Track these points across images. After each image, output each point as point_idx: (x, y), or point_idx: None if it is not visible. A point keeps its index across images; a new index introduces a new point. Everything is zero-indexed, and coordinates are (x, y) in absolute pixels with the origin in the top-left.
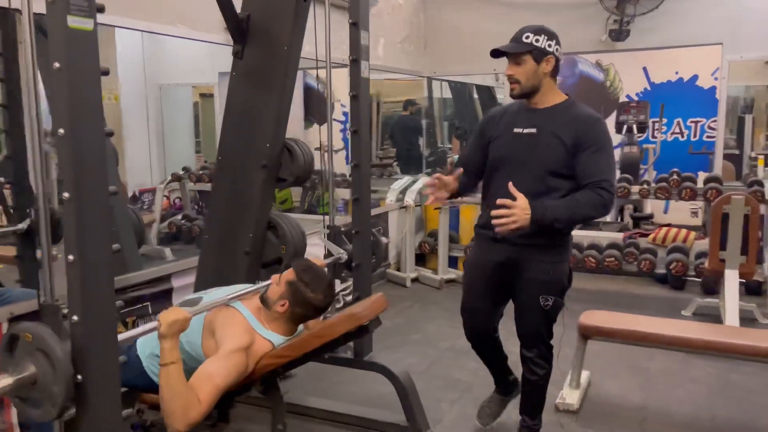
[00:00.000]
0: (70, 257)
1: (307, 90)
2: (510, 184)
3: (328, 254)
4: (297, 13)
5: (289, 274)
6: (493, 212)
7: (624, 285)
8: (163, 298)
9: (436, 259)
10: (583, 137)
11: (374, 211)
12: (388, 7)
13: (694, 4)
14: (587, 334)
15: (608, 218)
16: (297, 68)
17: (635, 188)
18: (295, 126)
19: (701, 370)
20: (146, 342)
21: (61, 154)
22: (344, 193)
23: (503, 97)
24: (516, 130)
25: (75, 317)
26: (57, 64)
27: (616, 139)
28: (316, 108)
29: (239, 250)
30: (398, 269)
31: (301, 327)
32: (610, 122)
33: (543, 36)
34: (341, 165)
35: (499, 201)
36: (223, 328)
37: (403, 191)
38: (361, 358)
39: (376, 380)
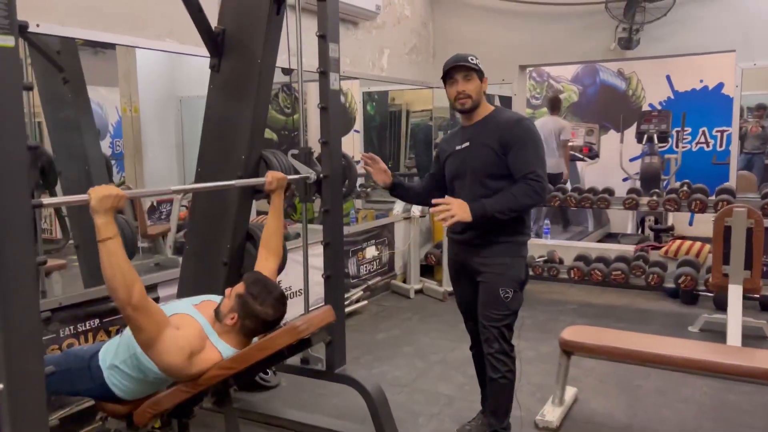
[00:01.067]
0: None
1: None
2: (447, 197)
3: (296, 173)
4: (270, 26)
5: (238, 287)
6: (433, 209)
7: (633, 299)
8: None
9: (442, 270)
10: (506, 139)
11: (380, 222)
12: (393, 18)
13: (704, 11)
14: (569, 349)
15: (628, 230)
16: (272, 80)
17: (644, 200)
18: (314, 136)
19: (697, 389)
20: (107, 352)
21: None
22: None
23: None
24: (457, 147)
25: None
26: None
27: (636, 149)
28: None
29: (218, 260)
30: (404, 280)
31: (255, 340)
32: (631, 132)
33: (479, 61)
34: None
35: (434, 200)
36: (182, 329)
37: None
38: (332, 371)
39: (356, 393)
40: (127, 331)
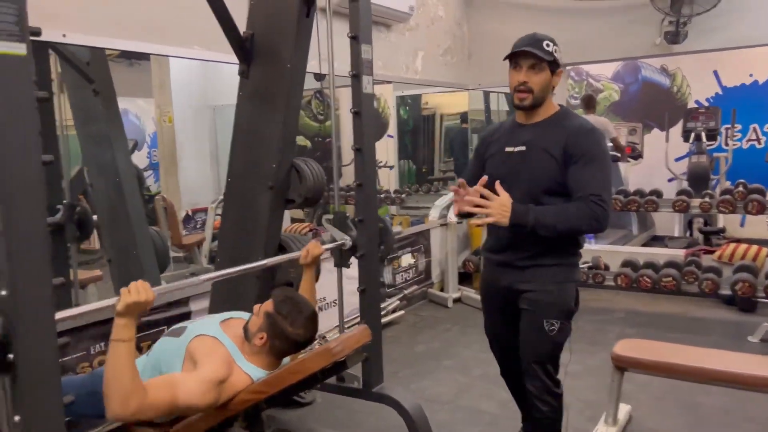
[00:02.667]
0: (2, 293)
1: None
2: (497, 182)
3: (333, 240)
4: (299, 29)
5: (267, 305)
6: (468, 202)
7: (685, 307)
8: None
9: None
10: (572, 149)
11: (416, 229)
12: (426, 20)
13: (757, 0)
14: (622, 365)
15: (675, 233)
16: (302, 85)
17: (695, 201)
18: (347, 142)
19: (765, 407)
20: None
21: None
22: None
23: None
24: (507, 149)
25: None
26: None
27: (682, 148)
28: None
29: (250, 274)
30: (441, 289)
31: (287, 360)
32: (677, 130)
33: (557, 47)
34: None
35: (476, 188)
36: (204, 357)
37: (447, 207)
38: (370, 389)
39: (394, 411)
40: (155, 349)
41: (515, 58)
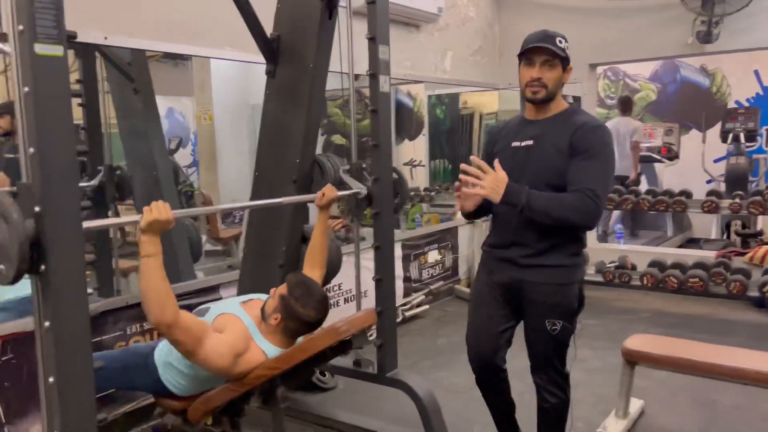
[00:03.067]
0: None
1: (398, 106)
2: (496, 160)
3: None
4: (322, 31)
5: (282, 288)
6: (463, 173)
7: (714, 309)
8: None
9: None
10: (576, 143)
11: (443, 225)
12: (456, 20)
13: None
14: (633, 359)
15: (712, 235)
16: (324, 85)
17: (725, 202)
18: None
19: None
20: (163, 350)
21: (33, 173)
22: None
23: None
24: (514, 143)
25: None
26: (26, 89)
27: (721, 149)
28: (407, 124)
29: (274, 263)
30: (468, 285)
31: (300, 340)
32: (715, 131)
33: (567, 44)
34: (424, 180)
35: (464, 167)
36: (226, 331)
37: None
38: (384, 374)
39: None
40: None
41: (528, 53)
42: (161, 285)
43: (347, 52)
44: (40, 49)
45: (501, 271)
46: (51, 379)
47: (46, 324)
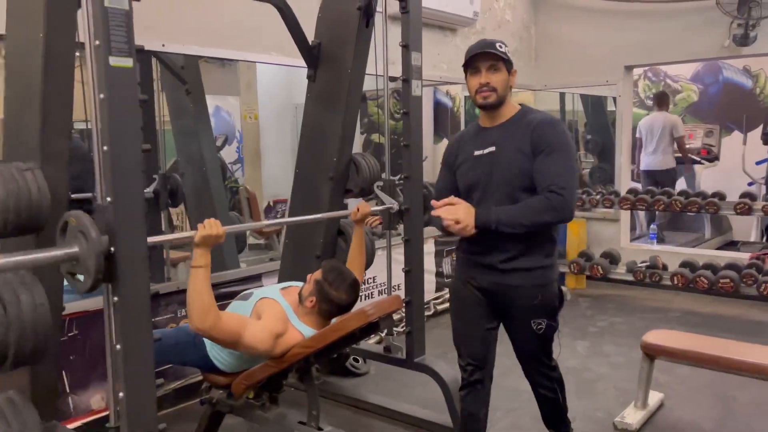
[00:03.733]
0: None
1: (437, 106)
2: (452, 197)
3: (381, 203)
4: (359, 38)
5: (317, 273)
6: (435, 211)
7: (745, 310)
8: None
9: None
10: (537, 141)
11: None
12: (492, 23)
13: None
14: (651, 353)
15: (751, 238)
16: (361, 89)
17: (758, 204)
18: (425, 141)
19: None
20: None
21: (105, 167)
22: None
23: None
24: (476, 152)
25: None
26: (101, 95)
27: (763, 151)
28: (445, 123)
29: (312, 254)
30: None
31: (334, 320)
32: (757, 133)
33: (508, 48)
34: None
35: (435, 203)
36: (265, 314)
37: None
38: (412, 360)
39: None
40: (228, 310)
41: (473, 62)
42: (206, 294)
43: (383, 57)
44: (113, 61)
45: (481, 275)
46: (118, 347)
47: (115, 299)
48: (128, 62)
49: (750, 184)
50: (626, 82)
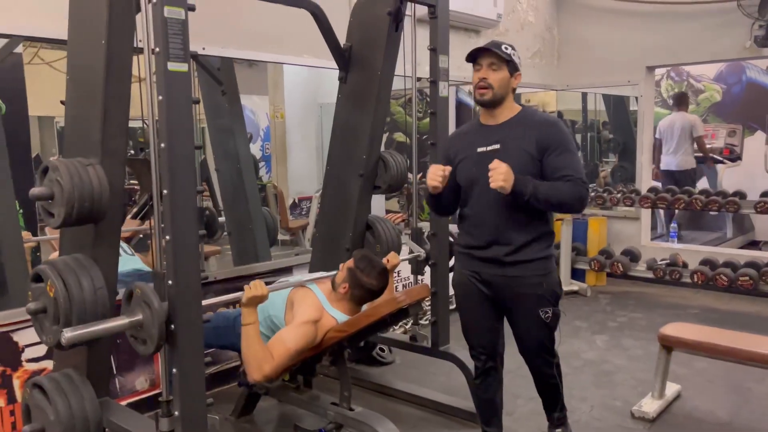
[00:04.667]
0: (167, 238)
1: (459, 105)
2: (496, 160)
3: (410, 252)
4: (389, 41)
5: (349, 262)
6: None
7: (763, 307)
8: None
9: (558, 270)
10: (546, 141)
11: None
12: (516, 25)
13: None
14: (668, 344)
15: None
16: (390, 90)
17: None
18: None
19: None
20: None
21: (162, 161)
22: None
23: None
24: (479, 149)
25: (170, 282)
26: (160, 97)
27: None
28: (467, 121)
29: (341, 246)
30: None
31: (365, 307)
32: None
33: (515, 53)
34: None
35: (492, 165)
36: (299, 304)
37: None
38: (437, 348)
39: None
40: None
41: (476, 58)
42: (258, 350)
43: (411, 60)
44: (171, 66)
45: (486, 269)
46: (172, 327)
47: (170, 282)
48: (184, 67)
49: None
50: (648, 83)
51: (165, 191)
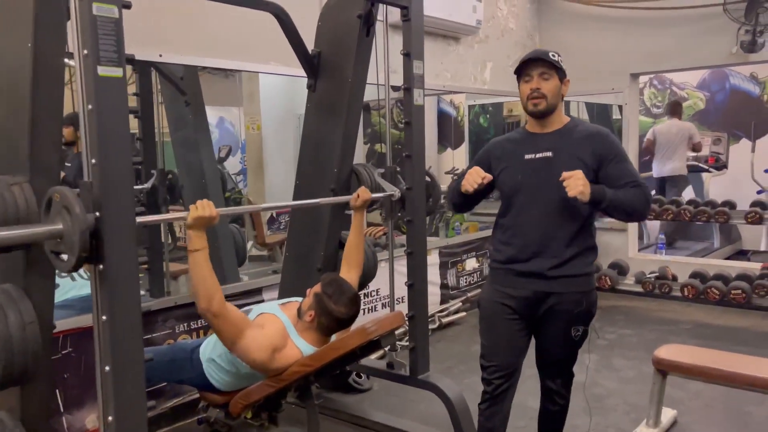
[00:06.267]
0: (100, 267)
1: (441, 115)
2: (564, 173)
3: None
4: (360, 47)
5: (316, 287)
6: (566, 179)
7: (757, 321)
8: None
9: None
10: (603, 151)
11: (481, 234)
12: (496, 32)
13: None
14: (664, 369)
15: (761, 247)
16: (362, 98)
17: None
18: (429, 151)
19: None
20: (207, 347)
21: (94, 180)
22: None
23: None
24: (527, 156)
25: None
26: (90, 106)
27: None
28: (449, 133)
29: (313, 266)
30: None
31: (334, 337)
32: (765, 140)
33: (561, 58)
34: None
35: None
36: (265, 327)
37: None
38: (416, 376)
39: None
40: None
41: (525, 69)
42: (208, 277)
43: (384, 66)
44: (102, 71)
45: (522, 285)
46: (107, 368)
47: (104, 318)
48: (117, 72)
49: (759, 192)
50: (632, 90)
51: (97, 213)
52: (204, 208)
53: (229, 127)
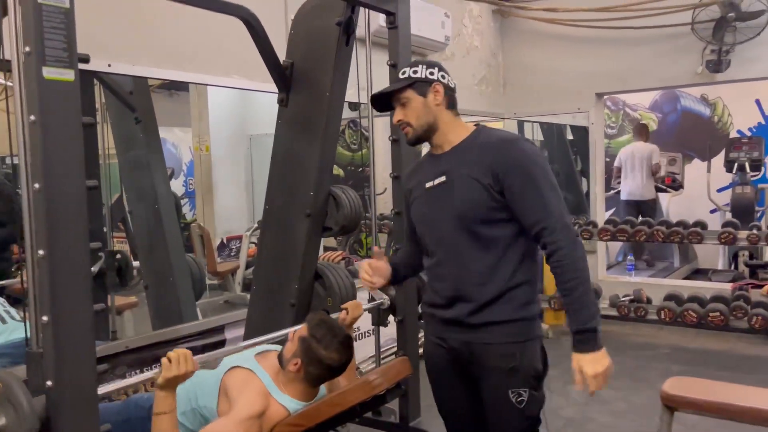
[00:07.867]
0: (44, 318)
1: None
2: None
3: (371, 299)
4: (339, 58)
5: (301, 329)
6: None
7: (733, 344)
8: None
9: None
10: (501, 168)
11: None
12: (462, 49)
13: None
14: (673, 405)
15: (719, 266)
16: (341, 114)
17: (743, 234)
18: (384, 172)
19: None
20: None
21: (37, 210)
22: None
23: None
24: (428, 184)
25: (49, 382)
26: (32, 117)
27: (725, 179)
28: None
29: (285, 301)
30: None
31: (323, 390)
32: (719, 160)
33: (421, 66)
34: None
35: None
36: (238, 392)
37: None
38: (407, 424)
39: None
40: (191, 378)
41: (386, 104)
42: None
43: (366, 80)
44: (48, 73)
45: (450, 334)
46: None
47: (48, 383)
48: (68, 75)
49: (713, 211)
50: (598, 110)
51: (41, 252)
52: (180, 363)
53: (171, 149)
